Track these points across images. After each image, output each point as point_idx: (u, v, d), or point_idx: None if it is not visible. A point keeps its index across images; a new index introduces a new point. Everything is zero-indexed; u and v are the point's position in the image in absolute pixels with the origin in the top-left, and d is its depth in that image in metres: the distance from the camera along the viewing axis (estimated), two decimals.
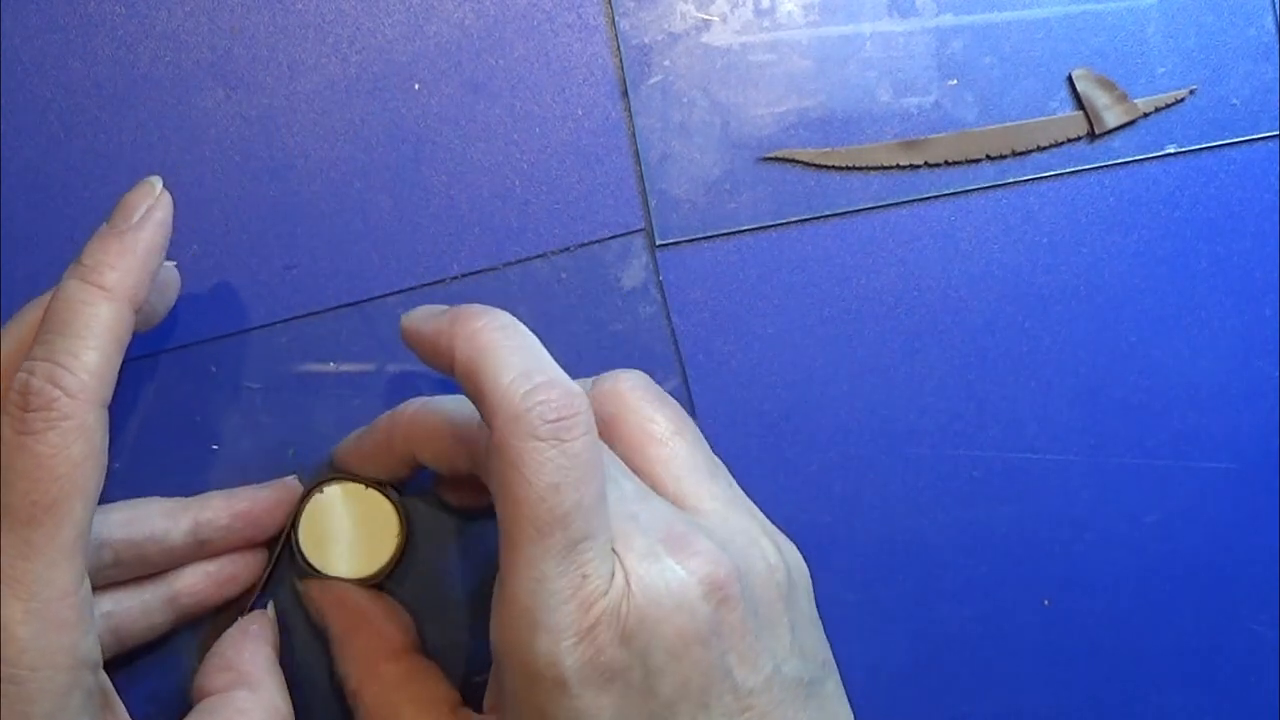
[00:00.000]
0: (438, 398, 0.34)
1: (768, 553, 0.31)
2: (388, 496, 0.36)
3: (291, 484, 0.36)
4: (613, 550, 0.29)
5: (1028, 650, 0.38)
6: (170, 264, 0.35)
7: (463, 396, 0.31)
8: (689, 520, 0.30)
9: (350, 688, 0.34)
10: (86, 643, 0.29)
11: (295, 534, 0.36)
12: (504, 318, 0.31)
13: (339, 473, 0.36)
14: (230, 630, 0.35)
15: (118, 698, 0.32)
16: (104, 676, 0.31)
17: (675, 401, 0.34)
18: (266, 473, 0.37)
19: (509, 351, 0.29)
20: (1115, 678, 0.38)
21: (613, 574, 0.28)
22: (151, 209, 0.32)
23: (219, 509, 0.35)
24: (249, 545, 0.36)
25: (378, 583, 0.36)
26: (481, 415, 0.29)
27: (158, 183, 0.33)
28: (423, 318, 0.32)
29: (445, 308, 0.32)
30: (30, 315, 0.32)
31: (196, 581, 0.35)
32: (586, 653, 0.27)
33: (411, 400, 0.35)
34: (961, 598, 0.38)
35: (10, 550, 0.28)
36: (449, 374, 0.30)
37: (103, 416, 0.29)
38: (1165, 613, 0.38)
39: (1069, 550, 0.38)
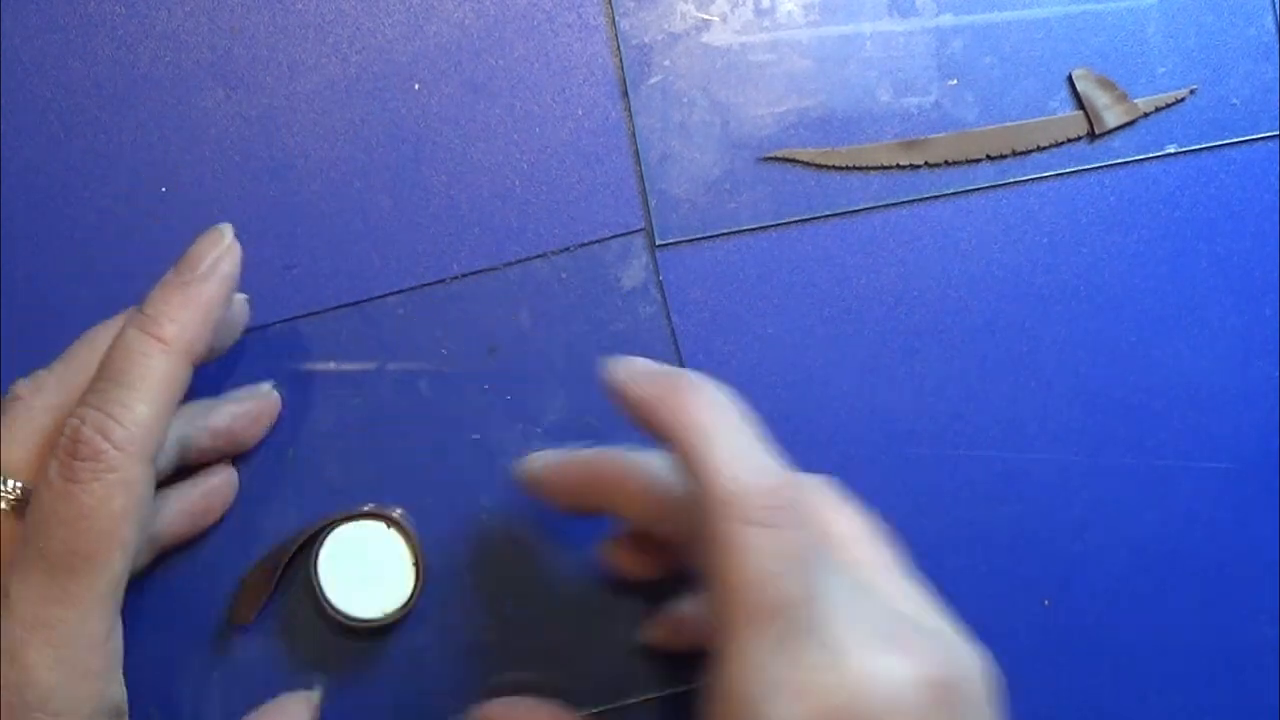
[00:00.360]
0: (643, 454, 0.33)
1: (976, 659, 0.30)
2: (403, 533, 0.36)
3: (266, 392, 0.36)
4: (830, 642, 0.27)
5: (1028, 650, 0.38)
6: (241, 297, 0.35)
7: (665, 456, 0.31)
8: (904, 617, 0.29)
9: None
10: (112, 690, 0.29)
11: (316, 573, 0.36)
12: (721, 395, 0.30)
13: (352, 512, 0.36)
14: (271, 706, 0.35)
15: None
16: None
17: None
18: (267, 473, 0.37)
19: (726, 431, 0.28)
20: (1115, 678, 0.38)
21: (832, 665, 0.27)
22: (219, 261, 0.32)
23: (200, 429, 0.35)
24: (226, 459, 0.36)
25: (395, 620, 0.36)
26: (693, 490, 0.28)
27: (228, 232, 0.32)
28: (636, 377, 0.30)
29: (660, 368, 0.30)
30: (81, 354, 0.32)
31: (174, 519, 0.35)
32: None
33: (615, 448, 0.34)
34: (961, 598, 0.38)
35: (46, 596, 0.28)
36: (657, 439, 0.29)
37: (148, 471, 0.29)
38: (1165, 613, 0.38)
39: (1069, 550, 0.38)
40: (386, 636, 0.37)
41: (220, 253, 0.32)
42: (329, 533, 0.36)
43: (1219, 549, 0.38)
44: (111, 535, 0.28)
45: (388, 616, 0.36)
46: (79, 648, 0.28)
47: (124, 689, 0.30)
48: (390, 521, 0.36)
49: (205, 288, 0.31)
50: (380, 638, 0.37)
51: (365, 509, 0.36)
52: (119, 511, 0.28)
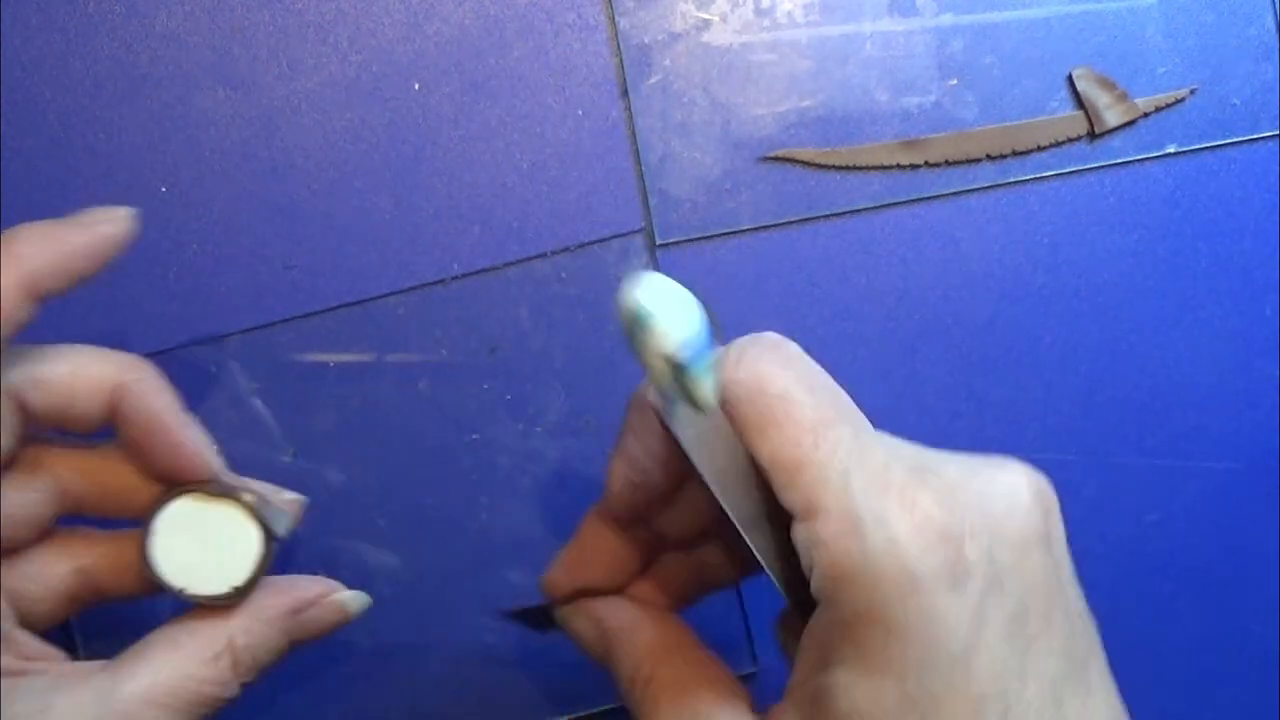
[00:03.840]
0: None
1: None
2: (243, 504, 0.33)
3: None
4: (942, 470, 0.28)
5: None
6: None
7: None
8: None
9: (643, 675, 0.31)
10: None
11: (150, 555, 0.32)
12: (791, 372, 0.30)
13: (185, 485, 0.33)
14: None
15: (18, 628, 0.31)
16: (4, 608, 0.30)
17: None
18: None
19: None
20: (1115, 677, 0.38)
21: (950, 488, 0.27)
22: (102, 221, 0.31)
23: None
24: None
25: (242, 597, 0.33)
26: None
27: (127, 211, 0.32)
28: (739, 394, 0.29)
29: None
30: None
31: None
32: (944, 552, 0.26)
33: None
34: None
35: None
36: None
37: None
38: (1165, 613, 0.38)
39: (1069, 550, 0.38)
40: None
41: (108, 216, 0.31)
42: (157, 515, 0.33)
43: (1219, 549, 0.38)
44: None
45: (239, 591, 0.32)
46: None
47: None
48: (210, 495, 0.33)
49: (75, 231, 0.31)
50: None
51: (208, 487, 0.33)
52: None
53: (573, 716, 0.38)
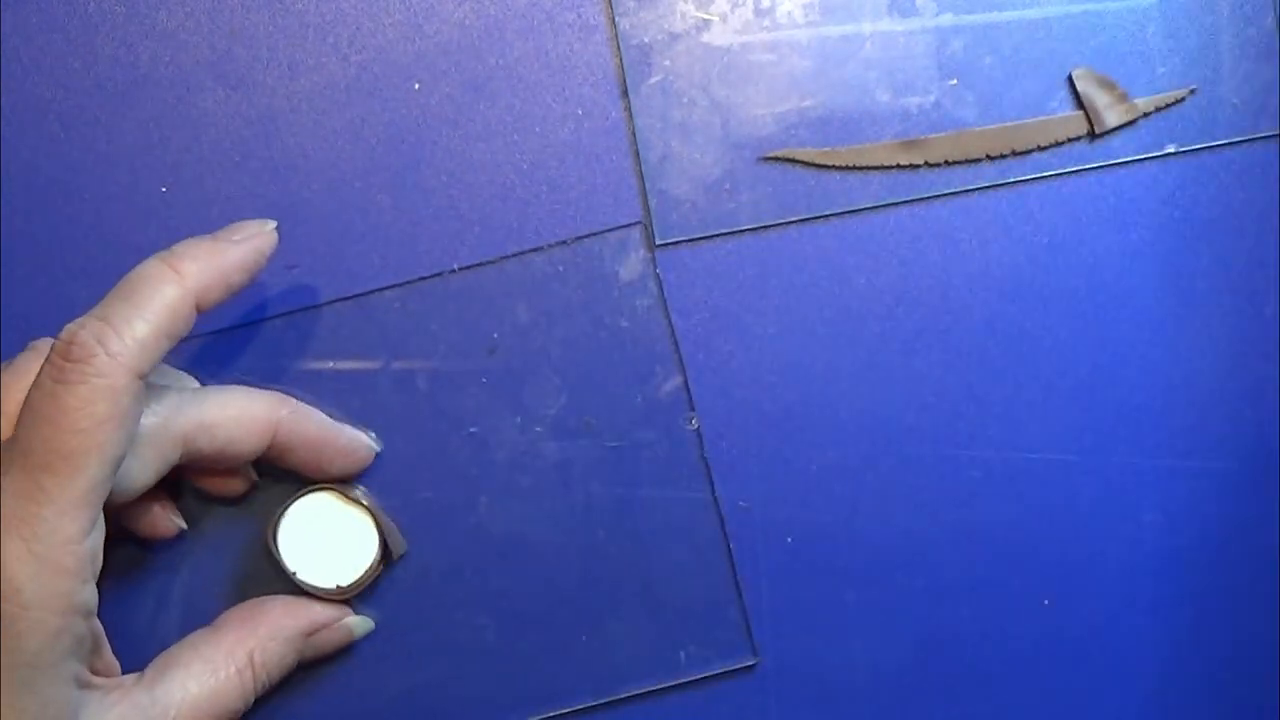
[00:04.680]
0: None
1: None
2: (374, 517, 0.36)
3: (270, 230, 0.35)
4: None
5: (1028, 650, 0.38)
6: (370, 441, 0.37)
7: None
8: None
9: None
10: (83, 592, 0.30)
11: (274, 540, 0.36)
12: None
13: (319, 483, 0.36)
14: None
15: (108, 644, 0.33)
16: (97, 624, 0.32)
17: None
18: (266, 468, 0.37)
19: None
20: (1115, 678, 0.38)
21: None
22: (255, 235, 0.33)
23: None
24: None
25: (356, 595, 0.37)
26: None
27: (272, 224, 0.34)
28: None
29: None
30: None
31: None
32: None
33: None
34: (961, 598, 0.38)
35: (21, 492, 0.29)
36: None
37: (136, 386, 0.30)
38: (1165, 613, 0.38)
39: (1069, 550, 0.38)
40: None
41: (259, 229, 0.34)
42: (290, 505, 0.36)
43: (1219, 549, 0.38)
44: (92, 436, 0.29)
45: (350, 588, 0.36)
46: (53, 545, 0.29)
47: (95, 594, 0.30)
48: (350, 499, 0.36)
49: (234, 248, 0.33)
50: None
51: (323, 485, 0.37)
52: (102, 415, 0.29)
53: (571, 710, 0.38)
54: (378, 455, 0.37)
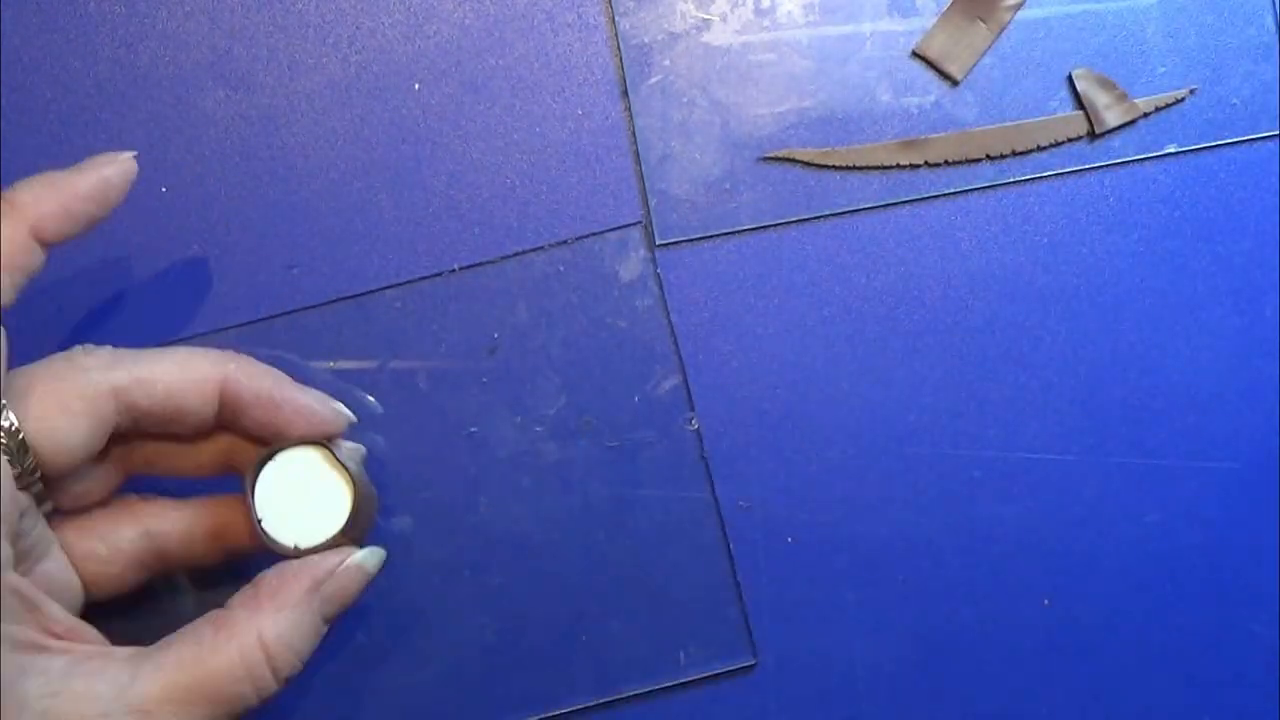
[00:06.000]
0: None
1: None
2: (351, 477, 0.34)
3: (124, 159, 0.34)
4: None
5: (1028, 650, 0.38)
6: (340, 407, 0.35)
7: None
8: None
9: None
10: None
11: (253, 486, 0.33)
12: None
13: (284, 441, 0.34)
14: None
15: (52, 603, 0.31)
16: (23, 582, 0.30)
17: None
18: None
19: None
20: (1115, 678, 0.38)
21: None
22: (104, 163, 0.32)
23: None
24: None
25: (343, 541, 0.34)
26: None
27: (129, 154, 0.33)
28: None
29: None
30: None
31: (237, 519, 0.34)
32: None
33: None
34: (961, 598, 0.38)
35: None
36: None
37: None
38: (1165, 613, 0.38)
39: (1069, 550, 0.38)
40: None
41: (110, 159, 0.32)
42: (261, 470, 0.34)
43: (1219, 549, 0.38)
44: None
45: (301, 551, 0.33)
46: None
47: (9, 550, 0.29)
48: (336, 462, 0.34)
49: (76, 176, 0.32)
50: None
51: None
52: None
53: (571, 710, 0.38)
54: (377, 455, 0.37)
